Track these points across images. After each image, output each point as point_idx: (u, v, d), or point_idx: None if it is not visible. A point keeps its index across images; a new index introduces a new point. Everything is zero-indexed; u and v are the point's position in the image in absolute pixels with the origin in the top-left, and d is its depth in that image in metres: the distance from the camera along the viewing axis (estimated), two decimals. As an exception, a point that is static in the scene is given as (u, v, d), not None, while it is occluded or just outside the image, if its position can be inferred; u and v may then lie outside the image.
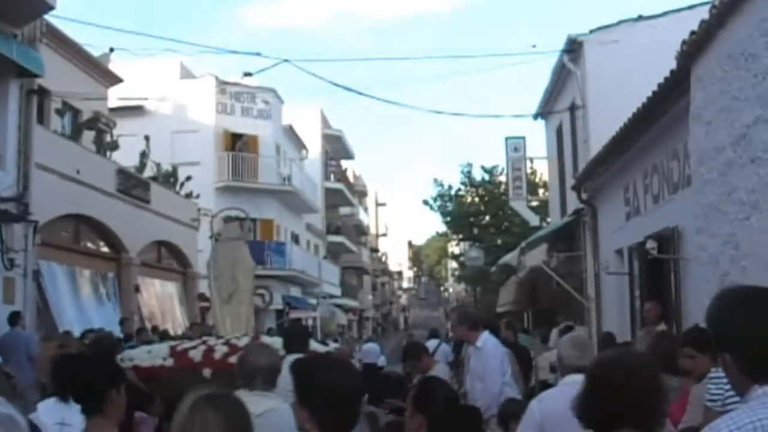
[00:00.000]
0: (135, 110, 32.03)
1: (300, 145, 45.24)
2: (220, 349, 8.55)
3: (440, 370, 8.78)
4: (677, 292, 11.10)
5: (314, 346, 8.81)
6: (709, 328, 2.62)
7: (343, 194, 54.76)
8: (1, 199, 14.95)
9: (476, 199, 37.65)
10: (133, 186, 22.02)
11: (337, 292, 53.09)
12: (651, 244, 11.54)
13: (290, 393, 3.37)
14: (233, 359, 6.83)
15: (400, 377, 9.36)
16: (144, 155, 24.64)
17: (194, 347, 9.00)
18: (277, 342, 8.03)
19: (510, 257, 21.38)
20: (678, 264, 10.98)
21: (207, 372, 8.20)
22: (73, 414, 4.56)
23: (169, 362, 8.86)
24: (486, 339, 8.43)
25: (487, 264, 29.53)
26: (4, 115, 15.46)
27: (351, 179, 64.35)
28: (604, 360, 3.07)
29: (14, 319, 15.08)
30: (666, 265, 11.54)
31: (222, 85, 36.62)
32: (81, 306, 18.76)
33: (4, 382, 3.79)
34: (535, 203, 30.69)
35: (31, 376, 11.84)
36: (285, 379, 4.32)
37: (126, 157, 23.95)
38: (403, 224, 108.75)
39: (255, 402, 4.04)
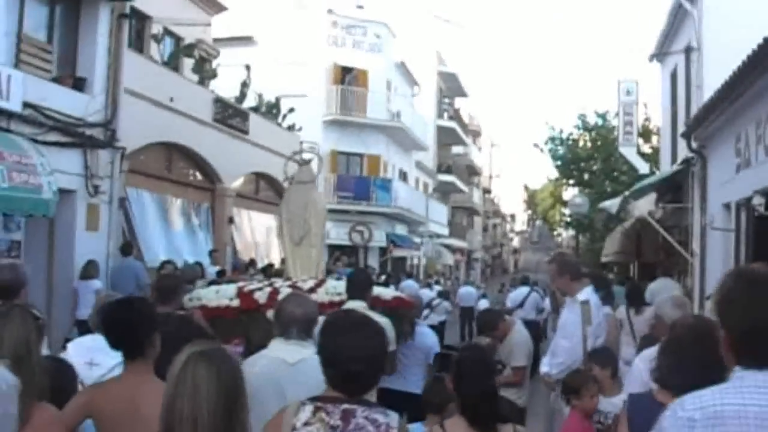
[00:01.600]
0: (243, 41, 31.81)
1: (412, 81, 44.47)
2: (285, 291, 8.13)
3: (518, 332, 8.19)
4: (785, 253, 10.08)
5: (378, 291, 8.47)
6: (713, 301, 2.70)
7: (456, 133, 53.95)
8: (87, 124, 14.82)
9: (588, 144, 36.37)
10: (230, 116, 21.70)
11: (445, 231, 52.62)
12: (758, 200, 10.52)
13: None
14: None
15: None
16: (244, 85, 24.28)
17: (260, 288, 8.92)
18: (340, 287, 8.12)
19: (610, 204, 20.34)
20: (787, 223, 9.97)
21: (270, 313, 7.66)
22: (102, 354, 4.89)
23: (235, 303, 8.79)
24: (588, 294, 7.55)
25: (592, 211, 28.44)
26: (93, 38, 15.22)
27: (465, 119, 63.29)
28: None
29: (127, 249, 15.32)
30: (774, 222, 10.53)
31: (334, 16, 36.07)
32: (170, 235, 18.67)
33: (30, 323, 3.50)
34: (647, 150, 29.40)
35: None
36: None
37: (233, 88, 23.75)
38: (518, 167, 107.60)
39: (290, 351, 4.49)
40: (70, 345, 5.51)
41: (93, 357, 5.08)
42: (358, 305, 6.59)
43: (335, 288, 8.57)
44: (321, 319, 4.84)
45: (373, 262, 34.79)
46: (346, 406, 3.34)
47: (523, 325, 9.69)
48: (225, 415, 2.79)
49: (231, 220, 22.08)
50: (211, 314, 8.32)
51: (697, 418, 2.43)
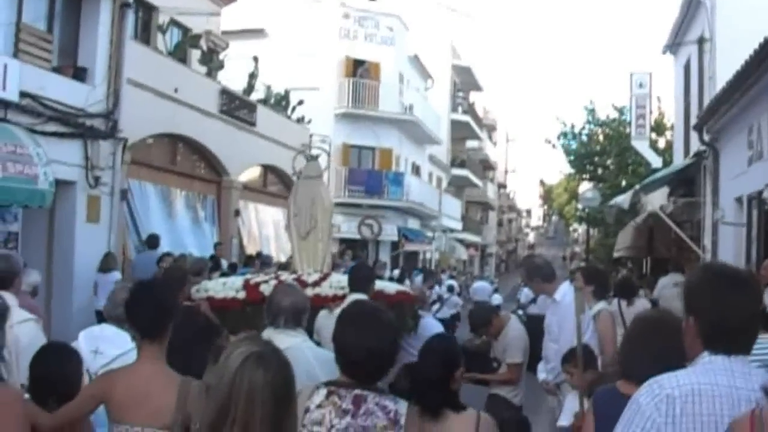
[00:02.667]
0: (253, 33, 31.59)
1: (425, 74, 44.14)
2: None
3: (513, 327, 7.92)
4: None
5: (380, 285, 8.65)
6: (684, 292, 2.96)
7: (470, 127, 53.64)
8: (87, 115, 14.64)
9: (600, 138, 36.02)
10: (237, 107, 21.47)
11: (458, 226, 52.37)
12: (769, 193, 10.25)
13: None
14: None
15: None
16: (252, 76, 24.06)
17: (266, 281, 9.13)
18: (344, 280, 8.11)
19: (622, 199, 20.01)
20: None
21: None
22: (106, 344, 5.20)
23: (241, 295, 9.02)
24: (566, 292, 7.38)
25: (603, 205, 28.09)
26: (95, 28, 15.04)
27: (480, 113, 62.93)
28: None
29: (153, 241, 15.36)
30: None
31: (346, 8, 35.82)
32: (174, 228, 18.47)
33: None
34: (661, 145, 29.03)
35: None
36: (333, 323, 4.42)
37: (244, 80, 23.56)
38: (535, 161, 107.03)
39: (279, 339, 4.30)
40: (81, 334, 5.62)
41: (98, 346, 5.22)
42: (360, 298, 6.51)
43: (339, 282, 8.72)
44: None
45: (385, 256, 34.56)
46: (357, 391, 3.53)
47: (535, 321, 9.54)
48: (276, 421, 2.77)
49: (237, 213, 21.89)
50: (217, 306, 8.53)
51: (676, 395, 2.65)
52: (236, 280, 9.56)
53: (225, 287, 9.23)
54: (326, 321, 6.12)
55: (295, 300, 5.11)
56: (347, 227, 31.63)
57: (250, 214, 23.44)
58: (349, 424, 3.48)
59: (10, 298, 5.04)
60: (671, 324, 3.52)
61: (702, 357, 2.76)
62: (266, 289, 8.65)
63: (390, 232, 35.11)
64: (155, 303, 4.19)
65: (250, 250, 22.42)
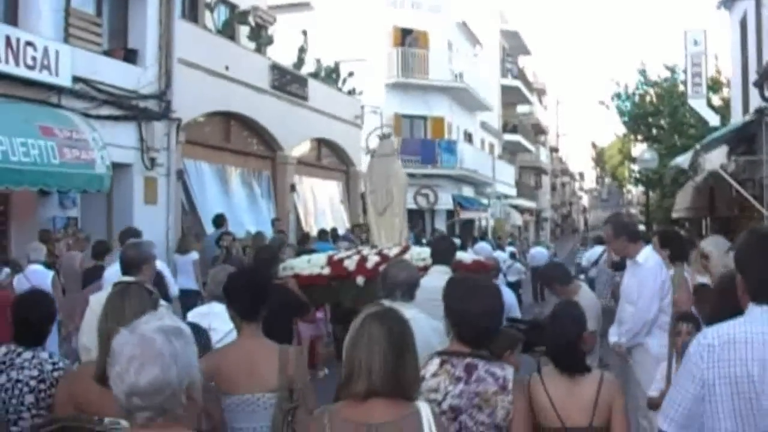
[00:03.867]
0: (299, 6, 31.39)
1: (474, 40, 43.63)
2: (372, 259, 9.12)
3: (586, 295, 7.66)
4: None
5: (459, 256, 8.85)
6: (735, 253, 3.42)
7: (521, 92, 53.01)
8: (140, 97, 14.65)
9: (654, 99, 35.29)
10: (288, 82, 21.35)
11: (513, 192, 51.92)
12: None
13: (432, 301, 4.51)
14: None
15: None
16: (302, 50, 23.93)
17: (349, 257, 9.51)
18: (425, 252, 8.69)
19: (682, 159, 19.53)
20: None
21: (360, 280, 8.85)
22: (218, 321, 5.50)
23: (326, 271, 9.40)
24: (649, 255, 7.20)
25: (661, 166, 27.56)
26: (143, 9, 15.04)
27: (529, 77, 62.21)
28: None
29: (219, 221, 15.34)
30: None
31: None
32: (231, 206, 18.40)
33: (146, 298, 4.16)
34: (718, 103, 28.35)
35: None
36: (427, 289, 5.57)
37: (291, 55, 23.44)
38: (586, 124, 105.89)
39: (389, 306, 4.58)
40: (189, 314, 6.12)
41: (211, 323, 5.56)
42: (442, 269, 6.91)
43: (420, 254, 9.05)
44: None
45: (440, 225, 34.37)
46: (468, 360, 3.82)
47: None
48: (394, 364, 3.20)
49: (293, 188, 21.83)
50: (304, 282, 8.86)
51: (716, 344, 3.04)
52: (320, 257, 9.92)
53: (310, 264, 9.62)
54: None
55: (410, 274, 5.52)
56: (403, 197, 31.42)
57: (305, 189, 23.36)
58: (463, 391, 3.77)
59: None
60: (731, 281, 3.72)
61: (749, 308, 3.12)
62: (350, 264, 9.17)
63: (445, 200, 34.92)
64: (252, 288, 4.61)
65: (308, 224, 22.40)
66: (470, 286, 4.08)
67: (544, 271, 8.90)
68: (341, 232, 20.58)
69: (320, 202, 24.53)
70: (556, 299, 8.26)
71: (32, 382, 4.39)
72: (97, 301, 5.59)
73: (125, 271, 6.13)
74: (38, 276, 9.71)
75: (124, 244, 7.42)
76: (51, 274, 10.10)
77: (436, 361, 3.89)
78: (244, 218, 18.61)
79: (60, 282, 10.50)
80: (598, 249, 19.11)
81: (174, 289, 10.47)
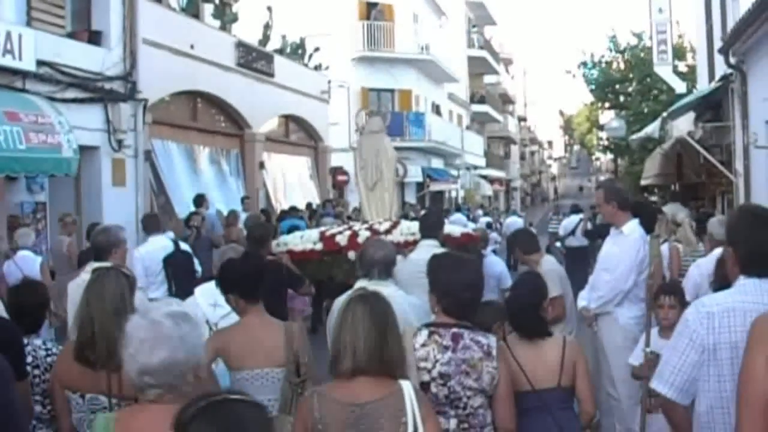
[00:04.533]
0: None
1: (439, 12, 43.53)
2: (363, 234, 9.42)
3: (547, 261, 7.79)
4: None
5: (447, 229, 9.30)
6: (725, 228, 3.73)
7: (487, 62, 53.04)
8: (106, 78, 14.59)
9: (621, 66, 35.45)
10: (254, 59, 21.27)
11: (482, 162, 52.12)
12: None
13: (419, 273, 4.66)
14: (374, 243, 8.51)
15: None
16: (267, 27, 23.83)
17: (341, 232, 9.89)
18: (414, 227, 9.04)
19: (651, 129, 19.75)
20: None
21: (351, 254, 8.96)
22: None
23: (319, 246, 9.76)
24: (635, 228, 7.16)
25: (630, 133, 27.74)
26: (106, -10, 14.90)
27: (496, 47, 62.21)
28: None
29: (199, 201, 15.52)
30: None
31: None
32: (200, 185, 18.38)
33: (123, 281, 4.34)
34: (684, 69, 28.57)
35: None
36: (416, 262, 6.00)
37: (257, 31, 23.35)
38: (553, 92, 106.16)
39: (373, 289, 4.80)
40: (197, 290, 6.33)
41: (216, 299, 5.70)
42: (431, 243, 7.24)
43: (409, 228, 9.48)
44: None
45: (411, 197, 34.45)
46: (455, 330, 4.16)
47: (575, 253, 9.30)
48: (378, 343, 3.46)
49: (262, 165, 21.81)
50: (297, 257, 9.24)
51: (715, 312, 3.35)
52: (312, 233, 10.34)
53: (303, 240, 9.99)
54: (401, 266, 6.32)
55: (387, 253, 5.71)
56: (371, 171, 31.43)
57: (274, 166, 23.34)
58: (451, 358, 4.09)
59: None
60: None
61: (739, 280, 3.42)
62: (341, 239, 9.54)
63: (414, 173, 34.91)
64: (249, 272, 4.99)
65: (277, 201, 22.43)
66: (453, 262, 4.44)
67: (511, 236, 9.09)
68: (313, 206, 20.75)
69: (289, 179, 24.53)
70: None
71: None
72: (75, 287, 5.86)
73: (97, 257, 6.33)
74: (27, 262, 9.82)
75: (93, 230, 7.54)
76: (39, 259, 10.21)
77: (425, 332, 4.20)
78: (213, 197, 18.56)
79: (48, 266, 10.55)
80: (575, 218, 19.35)
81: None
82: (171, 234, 11.00)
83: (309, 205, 20.75)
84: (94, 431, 3.07)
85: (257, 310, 4.85)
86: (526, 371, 4.57)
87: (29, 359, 4.48)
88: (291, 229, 12.51)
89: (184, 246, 10.40)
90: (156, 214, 13.62)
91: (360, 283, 5.26)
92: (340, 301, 5.10)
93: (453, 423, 4.11)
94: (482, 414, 4.15)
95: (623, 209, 7.26)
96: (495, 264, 10.08)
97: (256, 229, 9.18)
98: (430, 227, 7.69)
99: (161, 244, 10.09)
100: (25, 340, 4.55)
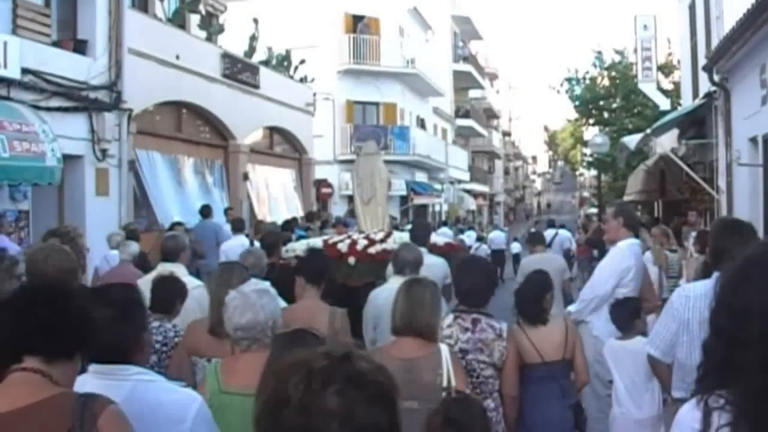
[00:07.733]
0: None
1: (425, 26, 43.67)
2: (361, 242, 10.29)
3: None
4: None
5: (435, 239, 10.49)
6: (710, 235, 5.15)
7: (473, 77, 53.26)
8: (90, 87, 14.52)
9: (606, 82, 35.58)
10: (240, 71, 21.26)
11: (466, 176, 52.25)
12: (784, 133, 10.13)
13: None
14: (371, 250, 9.82)
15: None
16: (253, 39, 23.82)
17: (341, 240, 10.67)
18: (406, 237, 9.85)
19: (629, 139, 19.84)
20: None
21: (351, 260, 9.97)
22: None
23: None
24: (631, 242, 7.19)
25: (613, 149, 27.86)
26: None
27: (481, 62, 62.44)
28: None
29: (206, 211, 15.65)
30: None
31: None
32: (184, 195, 18.35)
33: (244, 272, 5.64)
34: (669, 87, 28.70)
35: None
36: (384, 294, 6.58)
37: (243, 43, 23.35)
38: (538, 108, 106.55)
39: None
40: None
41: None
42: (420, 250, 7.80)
43: (401, 238, 10.27)
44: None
45: (394, 211, 34.42)
46: (474, 315, 5.30)
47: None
48: (429, 311, 4.60)
49: (246, 177, 21.77)
50: None
51: (691, 296, 4.44)
52: (317, 241, 11.19)
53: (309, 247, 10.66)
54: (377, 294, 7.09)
55: (417, 255, 6.90)
56: (355, 184, 31.40)
57: (258, 177, 23.31)
58: (469, 338, 5.21)
59: (179, 268, 6.90)
60: None
61: (714, 274, 3.94)
62: (342, 246, 10.27)
63: (398, 186, 34.89)
64: (319, 260, 6.50)
65: (261, 213, 22.38)
66: (472, 265, 5.77)
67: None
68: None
69: (273, 191, 24.49)
70: (513, 283, 9.16)
71: (157, 345, 5.28)
72: (144, 282, 6.29)
73: (165, 258, 7.24)
74: (115, 259, 10.49)
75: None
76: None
77: (451, 316, 5.36)
78: (197, 208, 18.49)
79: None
80: (551, 231, 19.47)
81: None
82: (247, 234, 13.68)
83: (294, 220, 20.48)
84: (206, 373, 4.19)
85: (315, 293, 6.08)
86: (538, 347, 5.57)
87: (160, 338, 5.34)
88: (299, 238, 13.99)
89: (257, 244, 11.31)
90: (242, 218, 16.05)
91: (394, 279, 6.54)
92: (377, 292, 6.81)
93: (467, 389, 4.78)
94: (491, 383, 5.22)
95: (627, 227, 7.26)
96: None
97: (268, 236, 10.49)
98: (420, 236, 8.76)
99: (240, 241, 12.99)
100: (158, 323, 5.39)
